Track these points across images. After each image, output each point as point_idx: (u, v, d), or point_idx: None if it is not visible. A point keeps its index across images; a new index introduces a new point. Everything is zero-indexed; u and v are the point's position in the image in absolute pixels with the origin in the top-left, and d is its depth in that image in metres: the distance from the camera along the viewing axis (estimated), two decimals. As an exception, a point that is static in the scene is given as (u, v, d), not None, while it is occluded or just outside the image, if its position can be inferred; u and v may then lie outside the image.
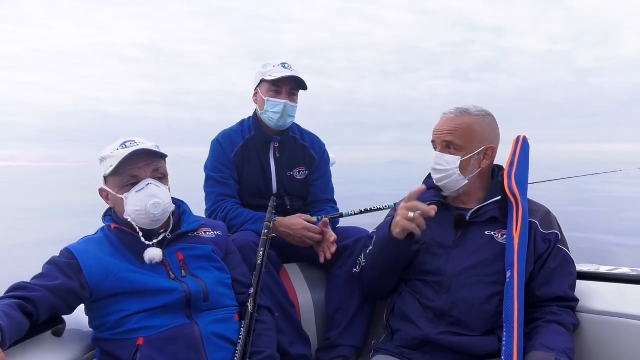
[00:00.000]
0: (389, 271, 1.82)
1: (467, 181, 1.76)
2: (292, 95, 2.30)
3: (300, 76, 2.27)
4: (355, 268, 1.94)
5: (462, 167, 1.74)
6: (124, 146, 1.61)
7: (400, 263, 1.78)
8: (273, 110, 2.27)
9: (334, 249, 2.11)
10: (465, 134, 1.74)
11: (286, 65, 2.29)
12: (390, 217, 1.93)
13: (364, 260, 1.88)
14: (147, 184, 1.60)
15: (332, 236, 2.12)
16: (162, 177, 1.65)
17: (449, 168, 1.74)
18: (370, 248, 1.85)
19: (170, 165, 1.70)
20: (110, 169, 1.58)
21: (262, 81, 2.30)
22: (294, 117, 2.33)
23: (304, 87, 2.32)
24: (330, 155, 2.55)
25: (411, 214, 1.63)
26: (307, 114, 2.44)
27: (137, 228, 1.62)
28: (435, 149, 1.79)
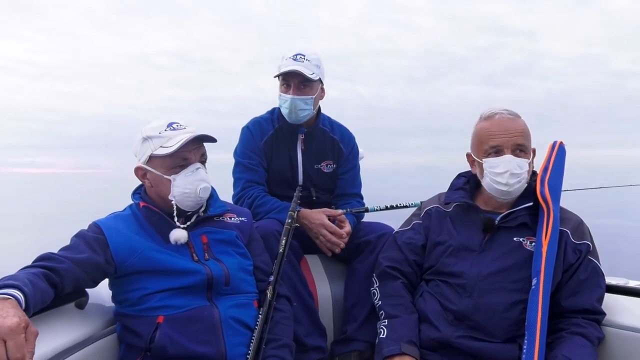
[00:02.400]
0: None
1: (525, 186, 1.71)
2: (303, 88, 2.22)
3: (309, 67, 2.18)
4: (372, 290, 1.89)
5: (528, 171, 1.70)
6: (172, 127, 1.62)
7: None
8: (284, 106, 2.25)
9: (342, 244, 2.10)
10: (528, 136, 1.70)
11: (297, 57, 2.21)
12: (414, 224, 1.89)
13: (378, 301, 1.84)
14: (197, 168, 1.62)
15: (346, 229, 2.12)
16: (205, 161, 1.68)
17: (521, 172, 1.67)
18: (381, 320, 1.78)
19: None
20: (164, 150, 1.58)
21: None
22: (308, 109, 2.25)
23: (312, 80, 2.22)
24: (359, 150, 2.53)
25: None
26: (334, 118, 2.40)
27: (175, 209, 1.64)
28: (499, 152, 1.67)
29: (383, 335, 1.71)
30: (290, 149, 2.34)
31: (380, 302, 1.82)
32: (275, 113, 2.38)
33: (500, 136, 1.67)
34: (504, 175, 1.65)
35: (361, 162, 2.55)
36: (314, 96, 2.26)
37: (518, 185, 1.68)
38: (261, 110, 2.45)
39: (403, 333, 1.68)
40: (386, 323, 1.74)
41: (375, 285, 1.87)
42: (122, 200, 1.76)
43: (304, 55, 2.22)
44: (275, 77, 2.28)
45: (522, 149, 1.68)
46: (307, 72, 2.18)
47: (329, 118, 2.44)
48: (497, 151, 1.68)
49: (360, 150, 2.53)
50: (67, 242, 1.57)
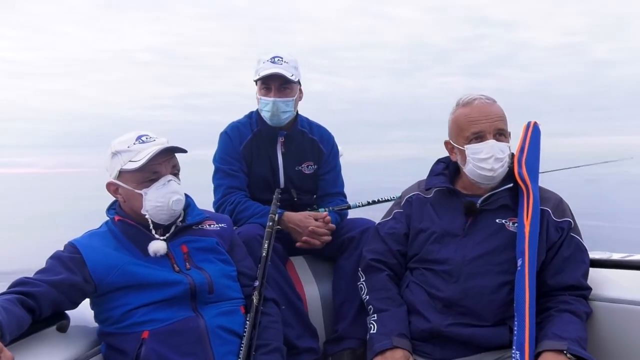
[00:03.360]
0: None
1: (507, 169, 1.72)
2: (284, 90, 2.22)
3: (288, 68, 2.19)
4: (359, 284, 1.87)
5: (508, 155, 1.70)
6: (141, 140, 1.60)
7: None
8: (265, 109, 2.23)
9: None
10: (506, 120, 1.71)
11: (275, 59, 2.21)
12: (395, 214, 1.88)
13: (365, 296, 1.82)
14: (169, 181, 1.60)
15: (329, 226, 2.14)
16: (177, 173, 1.66)
17: (504, 157, 1.67)
18: (370, 315, 1.76)
19: (182, 167, 1.70)
20: (133, 164, 1.56)
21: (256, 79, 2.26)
22: (290, 111, 2.25)
23: (292, 82, 2.23)
24: (339, 148, 2.52)
25: None
26: (317, 112, 2.40)
27: (150, 222, 1.61)
28: (481, 138, 1.67)
29: (373, 330, 1.70)
30: (270, 152, 2.32)
31: (367, 297, 1.81)
32: (253, 117, 2.36)
33: (482, 122, 1.67)
34: (488, 160, 1.66)
35: (342, 159, 2.54)
36: (294, 98, 2.25)
37: (502, 169, 1.69)
38: (245, 104, 2.42)
39: (393, 327, 1.67)
40: (375, 318, 1.73)
41: (361, 280, 1.86)
42: (107, 198, 1.73)
43: (282, 58, 2.22)
44: (255, 80, 2.26)
45: (502, 133, 1.69)
46: (287, 74, 2.18)
47: (307, 119, 2.43)
48: (479, 137, 1.68)
49: (339, 147, 2.52)
50: (52, 243, 1.55)
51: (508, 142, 1.70)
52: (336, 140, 2.49)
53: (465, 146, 1.69)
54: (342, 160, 2.55)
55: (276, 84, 2.21)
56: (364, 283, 1.85)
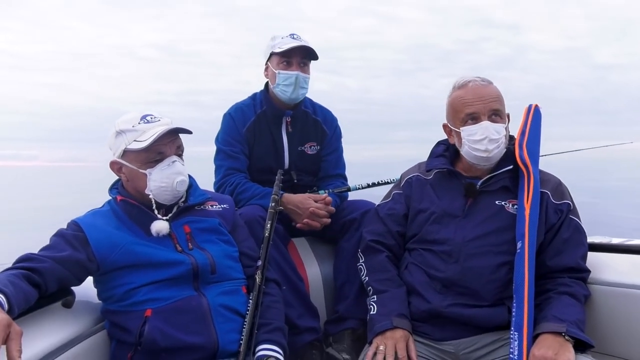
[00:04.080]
0: None
1: (504, 150, 1.73)
2: (304, 66, 2.25)
3: (311, 46, 2.23)
4: (358, 265, 1.89)
5: (505, 136, 1.71)
6: (146, 120, 1.60)
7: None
8: (285, 83, 2.23)
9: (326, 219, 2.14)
10: (502, 101, 1.71)
11: (295, 36, 2.24)
12: (394, 195, 1.90)
13: (366, 286, 1.82)
14: (173, 161, 1.60)
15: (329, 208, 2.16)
16: (182, 153, 1.66)
17: (499, 137, 1.67)
18: (370, 304, 1.75)
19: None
20: (138, 144, 1.56)
21: (272, 54, 2.26)
22: (306, 88, 2.28)
23: (315, 57, 2.27)
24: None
25: (381, 347, 1.59)
26: None
27: (154, 202, 1.62)
28: (476, 120, 1.68)
29: (373, 311, 1.72)
30: (274, 133, 2.32)
31: (367, 278, 1.82)
32: (257, 98, 2.36)
33: (476, 103, 1.68)
34: (482, 141, 1.66)
35: (345, 155, 2.54)
36: (310, 76, 2.28)
37: (497, 150, 1.68)
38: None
39: (393, 307, 1.69)
40: (375, 299, 1.74)
41: (361, 261, 1.88)
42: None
43: (300, 35, 2.25)
44: (270, 56, 2.26)
45: (497, 114, 1.69)
46: (311, 47, 2.22)
47: (310, 100, 2.43)
48: (474, 118, 1.68)
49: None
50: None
51: (504, 122, 1.70)
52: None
53: (460, 128, 1.70)
54: (350, 158, 2.56)
55: (297, 58, 2.23)
56: (363, 264, 1.86)
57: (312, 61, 2.30)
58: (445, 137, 1.86)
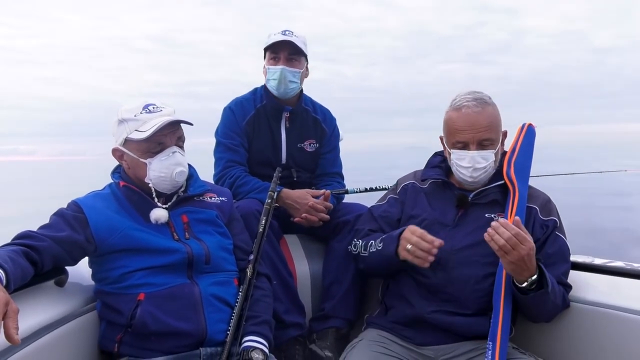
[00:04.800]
0: (388, 274, 1.86)
1: (494, 170, 1.77)
2: (292, 61, 2.28)
3: (297, 41, 2.25)
4: (352, 247, 1.92)
5: (495, 159, 1.74)
6: (148, 110, 1.61)
7: (400, 270, 1.79)
8: (272, 78, 2.28)
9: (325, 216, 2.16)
10: (495, 126, 1.73)
11: (286, 32, 2.27)
12: (390, 199, 1.94)
13: (364, 251, 1.83)
14: (173, 152, 1.62)
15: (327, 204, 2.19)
16: (182, 144, 1.68)
17: (486, 164, 1.71)
18: (374, 249, 1.78)
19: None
20: (139, 134, 1.58)
21: (265, 50, 2.32)
22: (296, 82, 2.31)
23: (301, 53, 2.30)
24: (339, 132, 2.58)
25: (409, 246, 1.63)
26: (318, 99, 2.44)
27: (153, 190, 1.65)
28: (465, 147, 1.71)
29: (381, 244, 1.75)
30: (273, 128, 2.36)
31: (364, 242, 1.83)
32: (257, 93, 2.40)
33: (467, 132, 1.70)
34: (468, 169, 1.72)
35: (341, 143, 2.60)
36: (301, 70, 2.31)
37: (483, 175, 1.74)
38: (245, 91, 2.48)
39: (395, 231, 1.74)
40: (378, 241, 1.77)
41: (354, 241, 1.90)
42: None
43: (292, 32, 2.28)
44: (264, 49, 2.31)
45: (487, 143, 1.71)
46: (297, 43, 2.24)
47: (310, 98, 2.48)
48: (463, 147, 1.72)
49: (340, 132, 2.58)
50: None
51: (494, 148, 1.72)
52: (341, 129, 2.56)
53: (450, 150, 1.76)
54: (342, 145, 2.60)
55: (285, 53, 2.26)
56: (358, 241, 1.88)
57: (309, 55, 2.34)
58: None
